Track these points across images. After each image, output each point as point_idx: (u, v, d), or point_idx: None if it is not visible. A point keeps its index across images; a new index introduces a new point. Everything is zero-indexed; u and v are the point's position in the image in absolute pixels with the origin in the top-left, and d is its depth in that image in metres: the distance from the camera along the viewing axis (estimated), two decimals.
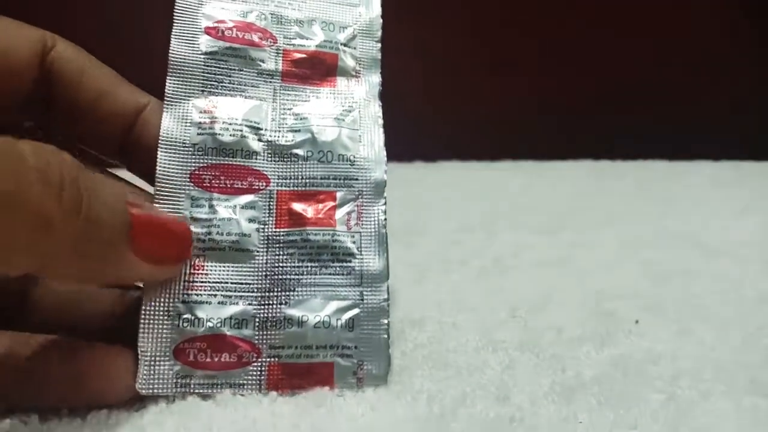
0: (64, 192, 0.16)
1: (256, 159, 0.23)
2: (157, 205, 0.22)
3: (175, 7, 0.24)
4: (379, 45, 0.26)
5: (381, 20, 0.26)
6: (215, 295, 0.21)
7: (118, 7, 0.63)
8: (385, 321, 0.22)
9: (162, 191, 0.22)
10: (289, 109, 0.24)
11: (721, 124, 0.66)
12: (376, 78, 0.26)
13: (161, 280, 0.21)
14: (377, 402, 0.21)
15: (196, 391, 0.21)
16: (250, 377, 0.21)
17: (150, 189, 0.23)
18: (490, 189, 0.54)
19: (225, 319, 0.21)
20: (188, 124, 0.23)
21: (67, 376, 0.19)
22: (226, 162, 0.23)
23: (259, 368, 0.21)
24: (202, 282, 0.21)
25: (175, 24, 0.24)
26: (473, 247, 0.38)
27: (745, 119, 0.67)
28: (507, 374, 0.23)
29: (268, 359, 0.21)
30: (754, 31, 0.68)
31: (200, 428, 0.19)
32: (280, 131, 0.24)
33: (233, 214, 0.22)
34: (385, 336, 0.22)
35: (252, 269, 0.22)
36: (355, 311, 0.22)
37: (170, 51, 0.23)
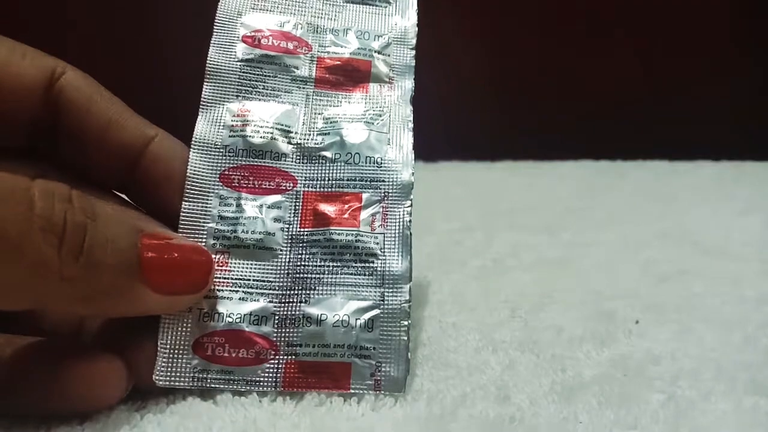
0: (66, 238, 0.17)
1: (285, 160, 0.24)
2: (184, 206, 0.22)
3: (216, 18, 0.25)
4: (413, 53, 0.26)
5: (416, 29, 0.27)
6: (237, 291, 0.22)
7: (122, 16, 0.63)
8: (406, 323, 0.22)
9: (191, 190, 0.23)
10: (320, 113, 0.25)
11: (721, 124, 0.66)
12: (409, 83, 0.26)
13: (182, 309, 0.21)
14: (377, 402, 0.21)
15: (213, 386, 0.21)
16: (266, 374, 0.21)
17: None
18: (490, 189, 0.54)
19: (245, 315, 0.21)
20: (221, 127, 0.24)
21: (45, 379, 0.19)
22: (255, 163, 0.23)
23: (275, 365, 0.21)
24: (224, 278, 0.22)
25: (214, 33, 0.25)
26: (473, 247, 0.38)
27: (745, 119, 0.67)
28: (507, 374, 0.23)
29: (285, 357, 0.21)
30: (754, 31, 0.68)
31: (200, 428, 0.19)
32: (309, 134, 0.24)
33: (259, 213, 0.23)
34: (405, 338, 0.21)
35: (274, 267, 0.22)
36: (375, 312, 0.22)
37: (208, 58, 0.24)
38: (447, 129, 0.66)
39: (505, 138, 0.64)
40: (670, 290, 0.31)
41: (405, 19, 0.27)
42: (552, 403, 0.21)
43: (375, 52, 0.26)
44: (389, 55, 0.26)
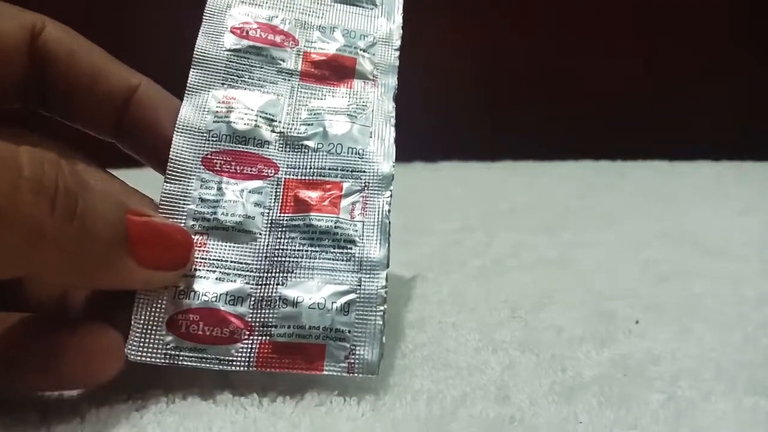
0: (58, 202, 0.17)
1: (268, 148, 0.24)
2: (165, 187, 0.22)
3: (205, 9, 0.25)
4: (398, 53, 0.27)
5: (401, 31, 0.27)
6: (214, 272, 0.22)
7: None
8: (382, 308, 0.22)
9: (173, 172, 0.23)
10: (304, 104, 0.25)
11: (721, 124, 0.66)
12: (392, 81, 0.26)
13: (161, 286, 0.21)
14: (377, 402, 0.21)
15: (185, 363, 0.20)
16: (240, 354, 0.21)
17: (142, 172, 0.24)
18: (490, 189, 0.54)
19: (221, 294, 0.21)
20: (205, 112, 0.24)
21: (43, 355, 0.19)
22: (238, 149, 0.24)
23: (249, 345, 0.21)
24: (202, 258, 0.22)
25: (203, 23, 0.25)
26: (473, 247, 0.38)
27: (745, 119, 0.67)
28: (507, 374, 0.23)
29: (259, 337, 0.21)
30: (754, 31, 0.68)
31: (200, 428, 0.19)
32: (293, 124, 0.24)
33: (239, 197, 0.23)
34: (380, 323, 0.21)
35: (253, 250, 0.22)
36: (352, 296, 0.22)
37: (196, 46, 0.25)
38: (447, 129, 0.66)
39: (504, 138, 0.64)
40: (670, 290, 0.31)
41: (390, 22, 0.27)
42: (552, 403, 0.21)
43: (360, 50, 0.26)
44: (374, 55, 0.26)
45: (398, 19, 0.27)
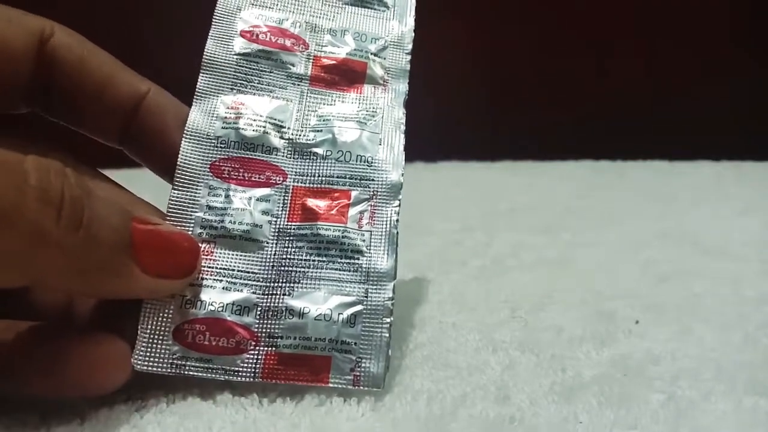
0: (64, 210, 0.17)
1: (276, 155, 0.24)
2: (173, 194, 0.22)
3: (215, 11, 0.25)
4: (409, 57, 0.26)
5: (413, 34, 0.27)
6: (220, 281, 0.22)
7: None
8: (388, 320, 0.22)
9: (181, 179, 0.23)
10: (313, 110, 0.25)
11: (721, 124, 0.66)
12: (403, 87, 0.26)
13: (167, 294, 0.21)
14: (377, 402, 0.21)
15: (191, 373, 0.20)
16: (245, 365, 0.21)
17: (143, 173, 0.24)
18: (490, 189, 0.54)
19: (227, 304, 0.21)
20: (214, 118, 0.24)
21: (49, 362, 0.19)
22: (247, 156, 0.23)
23: (255, 356, 0.21)
24: (209, 267, 0.22)
25: (213, 26, 0.25)
26: (473, 247, 0.38)
27: (745, 119, 0.67)
28: (507, 374, 0.23)
29: (265, 348, 0.21)
30: (754, 31, 0.68)
31: (200, 428, 0.19)
32: (302, 130, 0.24)
33: (247, 205, 0.23)
34: (387, 335, 0.21)
35: (260, 259, 0.22)
36: (358, 308, 0.22)
37: (205, 50, 0.25)
38: (447, 129, 0.66)
39: (504, 138, 0.64)
40: (670, 290, 0.31)
41: (402, 24, 0.27)
42: (552, 403, 0.21)
43: (371, 54, 0.26)
44: (385, 59, 0.26)
45: (410, 21, 0.27)
